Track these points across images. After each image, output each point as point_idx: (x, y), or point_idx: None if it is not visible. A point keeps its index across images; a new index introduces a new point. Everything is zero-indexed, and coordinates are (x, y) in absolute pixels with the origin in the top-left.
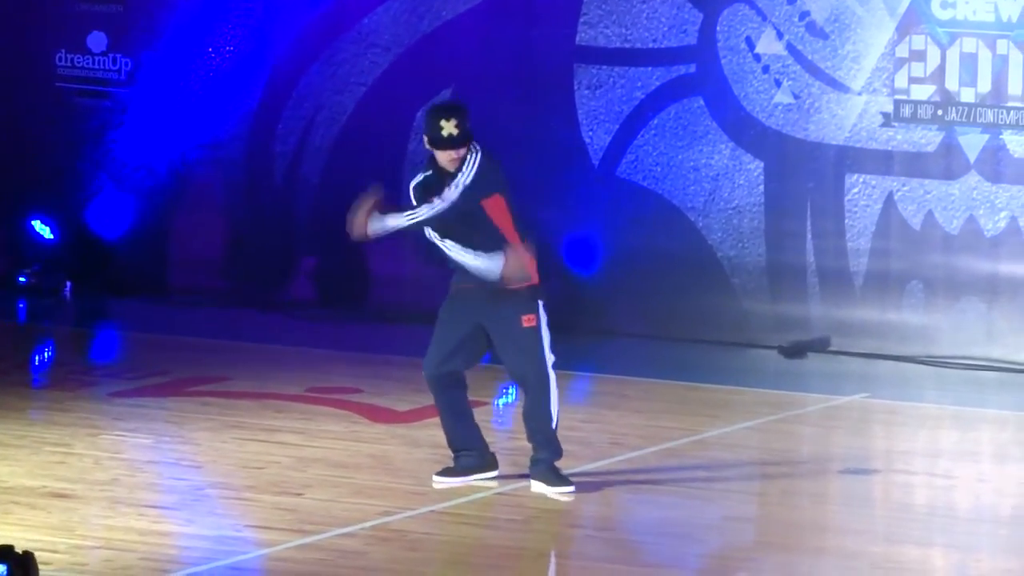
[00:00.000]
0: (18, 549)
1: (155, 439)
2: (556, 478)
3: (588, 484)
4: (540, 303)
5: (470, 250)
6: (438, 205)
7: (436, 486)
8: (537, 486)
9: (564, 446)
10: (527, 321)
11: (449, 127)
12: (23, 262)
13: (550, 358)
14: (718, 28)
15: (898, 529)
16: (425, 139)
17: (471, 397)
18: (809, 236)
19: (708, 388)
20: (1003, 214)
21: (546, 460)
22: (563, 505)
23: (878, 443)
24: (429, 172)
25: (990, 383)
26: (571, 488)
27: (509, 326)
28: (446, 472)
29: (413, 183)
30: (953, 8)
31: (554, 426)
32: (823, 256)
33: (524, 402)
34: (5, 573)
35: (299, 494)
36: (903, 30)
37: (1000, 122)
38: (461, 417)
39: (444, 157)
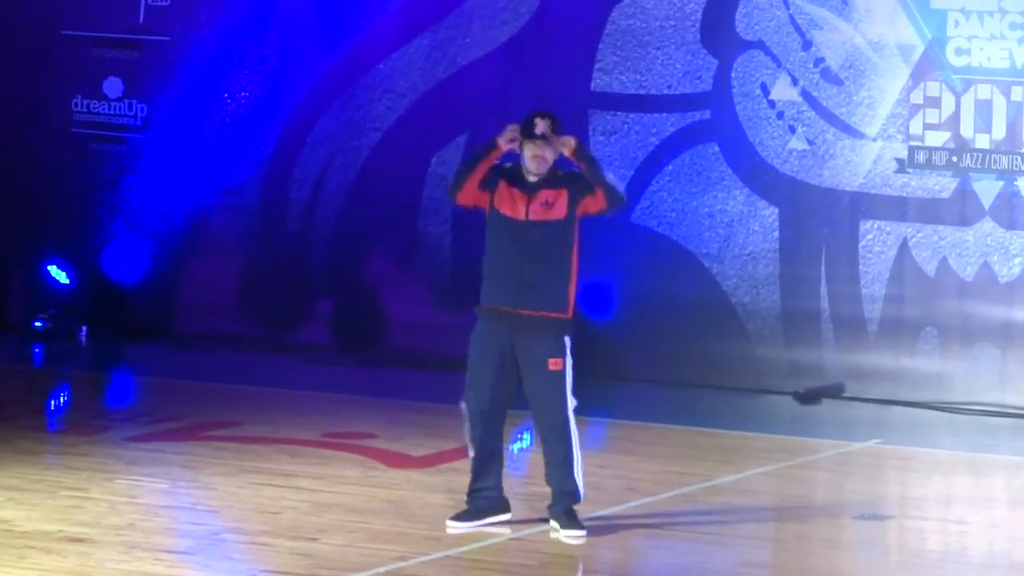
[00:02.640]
0: None
1: (171, 484)
2: (568, 521)
3: (603, 529)
4: (568, 341)
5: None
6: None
7: (450, 531)
8: (552, 527)
9: None
10: (553, 364)
11: (543, 125)
12: (39, 307)
13: (572, 403)
14: (733, 74)
15: (912, 575)
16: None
17: None
18: (823, 282)
19: (722, 434)
20: (1017, 260)
21: (561, 503)
22: (578, 551)
23: (892, 489)
24: (510, 165)
25: (1004, 429)
26: (582, 532)
27: (536, 366)
28: (460, 517)
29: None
30: (968, 55)
31: (574, 471)
32: (837, 302)
33: (542, 444)
34: None
35: (315, 539)
36: (918, 77)
37: (1015, 169)
38: (491, 453)
39: (529, 152)
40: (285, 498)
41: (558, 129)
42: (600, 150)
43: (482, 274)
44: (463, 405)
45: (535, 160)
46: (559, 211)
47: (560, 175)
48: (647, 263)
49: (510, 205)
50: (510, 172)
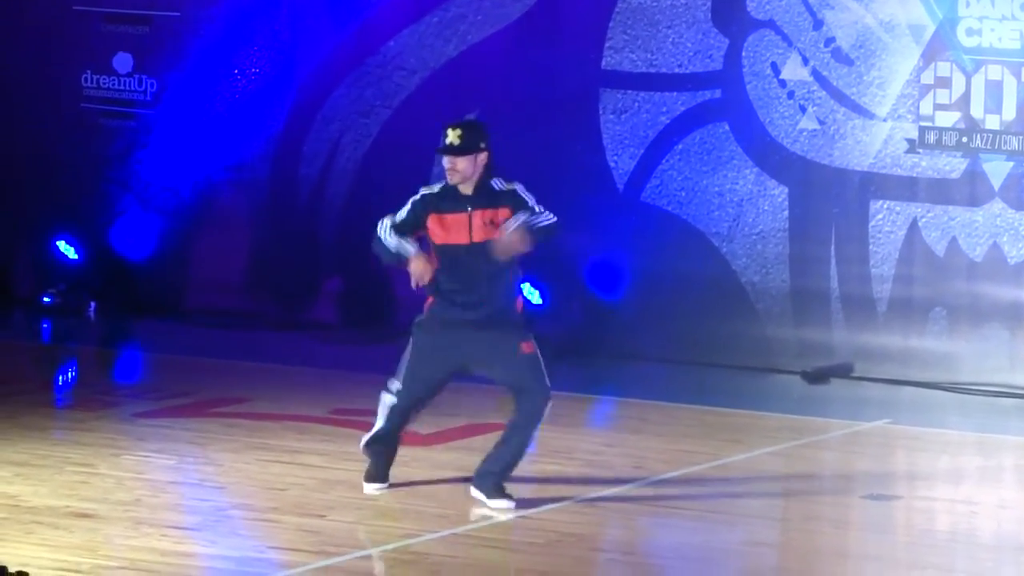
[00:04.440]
0: (12, 568)
1: (178, 460)
2: (498, 492)
3: (610, 508)
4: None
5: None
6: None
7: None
8: (477, 494)
9: (587, 470)
10: (527, 348)
11: (452, 136)
12: (48, 282)
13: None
14: (743, 53)
15: (919, 556)
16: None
17: (490, 420)
18: (833, 262)
19: (731, 413)
20: None
21: (497, 474)
22: (585, 529)
23: (900, 469)
24: (437, 189)
25: (1012, 410)
26: (511, 504)
27: (507, 353)
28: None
29: (421, 192)
30: (978, 35)
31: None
32: (847, 282)
33: (517, 414)
34: None
35: (322, 516)
36: (928, 57)
37: None
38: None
39: (445, 163)
40: (292, 475)
41: (474, 137)
42: (610, 129)
43: (434, 291)
44: None
45: (448, 172)
46: None
47: (497, 191)
48: (657, 242)
49: (448, 234)
50: (437, 198)
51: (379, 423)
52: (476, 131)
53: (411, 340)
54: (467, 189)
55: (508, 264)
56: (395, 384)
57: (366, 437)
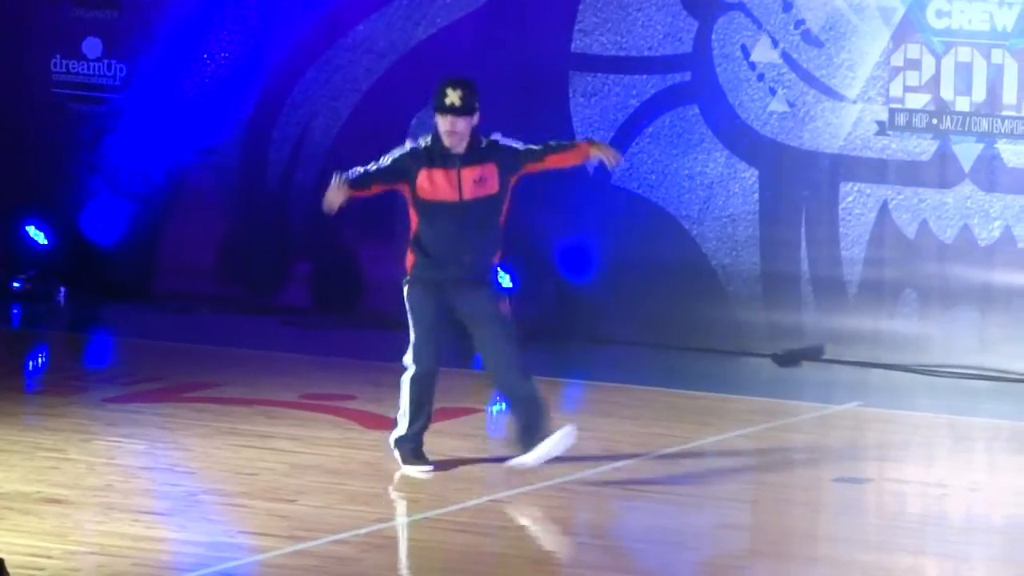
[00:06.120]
0: None
1: (149, 445)
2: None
3: (581, 492)
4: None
5: None
6: None
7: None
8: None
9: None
10: (504, 307)
11: (453, 96)
12: (17, 268)
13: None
14: (713, 36)
15: (890, 538)
16: (434, 108)
17: (462, 405)
18: (803, 244)
19: (701, 396)
20: (997, 223)
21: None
22: (556, 513)
23: (871, 452)
24: (425, 143)
25: (983, 392)
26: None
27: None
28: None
29: (410, 146)
30: (948, 17)
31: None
32: (817, 264)
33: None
34: None
35: (292, 501)
36: (898, 39)
37: (995, 131)
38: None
39: (443, 125)
40: (263, 460)
41: (473, 98)
42: (580, 112)
43: (413, 249)
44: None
45: (447, 135)
46: (491, 187)
47: (482, 148)
48: (627, 225)
49: (436, 191)
50: (427, 153)
51: (405, 409)
52: (473, 91)
53: (407, 300)
54: (457, 147)
55: (494, 225)
56: (408, 355)
57: (398, 433)
